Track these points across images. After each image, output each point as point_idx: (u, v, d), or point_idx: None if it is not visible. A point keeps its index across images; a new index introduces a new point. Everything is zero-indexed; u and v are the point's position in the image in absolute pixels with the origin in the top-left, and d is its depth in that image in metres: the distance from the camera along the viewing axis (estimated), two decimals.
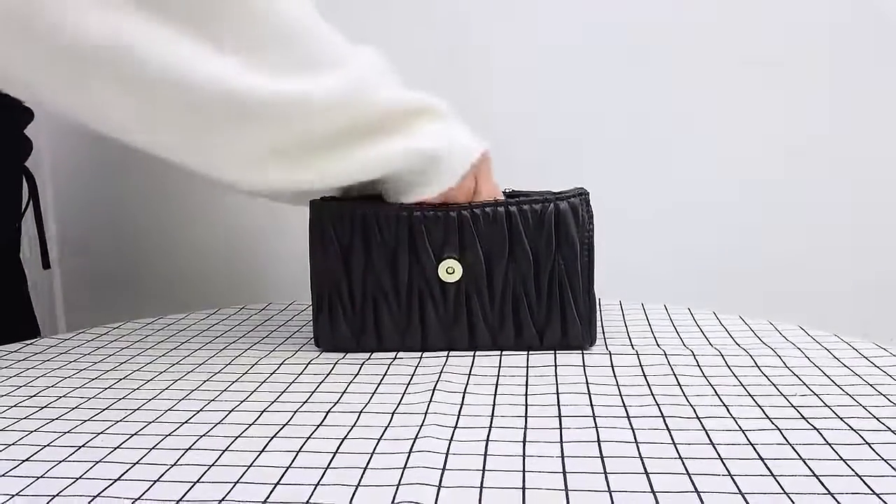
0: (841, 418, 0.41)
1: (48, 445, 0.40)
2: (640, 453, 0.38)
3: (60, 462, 0.38)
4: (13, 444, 0.41)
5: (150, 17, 0.43)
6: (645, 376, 0.49)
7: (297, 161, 0.51)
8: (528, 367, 0.52)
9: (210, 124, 0.47)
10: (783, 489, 0.34)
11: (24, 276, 0.81)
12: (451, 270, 0.55)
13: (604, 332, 0.61)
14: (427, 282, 0.55)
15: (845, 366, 0.51)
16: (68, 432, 0.42)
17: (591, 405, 0.45)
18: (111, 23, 0.43)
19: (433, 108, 0.53)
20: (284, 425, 0.42)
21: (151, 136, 0.48)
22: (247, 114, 0.46)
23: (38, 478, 0.36)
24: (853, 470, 0.35)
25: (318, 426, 0.42)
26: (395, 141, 0.52)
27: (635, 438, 0.40)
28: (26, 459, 0.39)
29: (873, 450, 0.37)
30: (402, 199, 0.55)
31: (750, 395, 0.46)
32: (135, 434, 0.42)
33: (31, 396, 0.48)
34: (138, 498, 0.34)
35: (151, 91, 0.45)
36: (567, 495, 0.34)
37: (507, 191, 0.59)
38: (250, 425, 0.43)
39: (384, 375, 0.51)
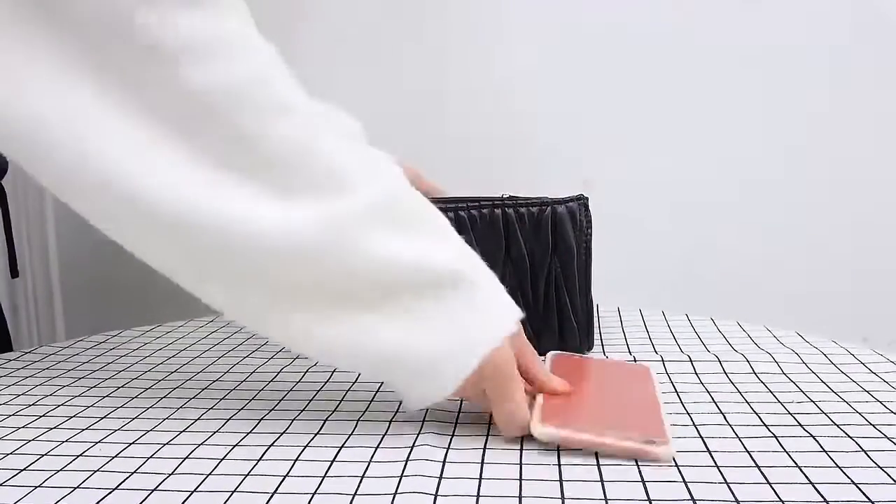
0: (837, 425, 0.41)
1: (46, 454, 0.40)
2: (636, 461, 0.38)
3: (58, 471, 0.38)
4: (11, 453, 0.41)
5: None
6: None
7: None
8: None
9: None
10: (779, 497, 0.34)
11: None
12: None
13: (601, 338, 0.61)
14: None
15: (842, 372, 0.51)
16: (66, 441, 0.42)
17: None
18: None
19: (445, 281, 0.40)
20: (282, 434, 0.43)
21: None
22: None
23: (35, 487, 0.36)
24: (849, 477, 0.35)
25: (316, 435, 0.42)
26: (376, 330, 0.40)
27: None
28: (24, 468, 0.39)
29: (869, 457, 0.37)
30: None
31: (747, 401, 0.46)
32: (133, 443, 0.42)
33: (30, 405, 0.48)
34: None
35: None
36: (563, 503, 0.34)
37: (506, 196, 0.59)
38: (248, 434, 0.43)
39: (382, 383, 0.51)
